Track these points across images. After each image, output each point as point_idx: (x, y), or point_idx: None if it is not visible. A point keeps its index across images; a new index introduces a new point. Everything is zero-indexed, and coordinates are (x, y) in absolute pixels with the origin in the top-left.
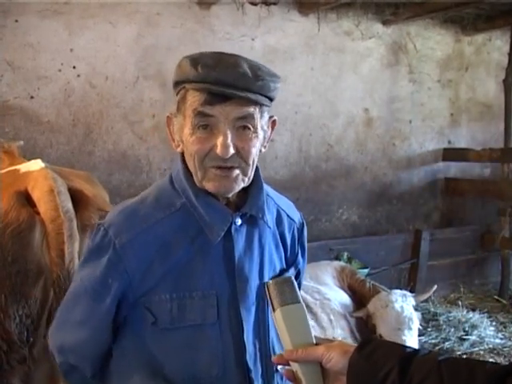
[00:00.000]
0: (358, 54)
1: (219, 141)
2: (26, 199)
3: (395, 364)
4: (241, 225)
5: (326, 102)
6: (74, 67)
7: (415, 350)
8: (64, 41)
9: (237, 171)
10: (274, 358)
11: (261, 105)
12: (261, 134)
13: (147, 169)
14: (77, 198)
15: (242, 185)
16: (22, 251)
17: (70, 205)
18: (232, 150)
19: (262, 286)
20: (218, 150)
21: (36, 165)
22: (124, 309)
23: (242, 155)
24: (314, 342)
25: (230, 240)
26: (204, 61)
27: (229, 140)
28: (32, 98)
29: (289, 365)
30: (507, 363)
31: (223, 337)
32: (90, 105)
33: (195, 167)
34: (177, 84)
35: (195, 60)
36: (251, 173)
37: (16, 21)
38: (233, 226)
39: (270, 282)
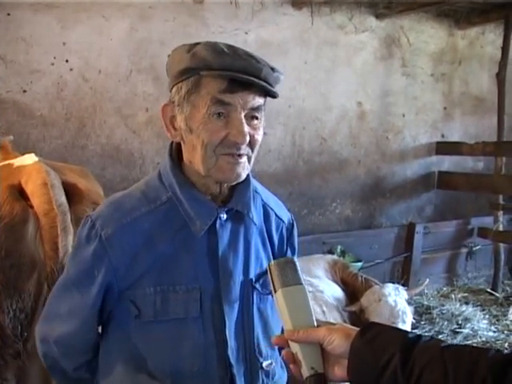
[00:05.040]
0: (352, 47)
1: (236, 128)
2: (20, 193)
3: (397, 349)
4: (226, 220)
5: (320, 95)
6: (67, 61)
7: (418, 335)
8: (57, 34)
9: (244, 158)
10: (273, 339)
11: (267, 96)
12: (262, 123)
13: (140, 162)
14: (70, 191)
15: (247, 173)
16: (15, 245)
17: (63, 198)
18: (248, 138)
19: (249, 281)
20: (236, 137)
21: (29, 159)
22: (109, 302)
23: (251, 144)
24: (316, 324)
25: (215, 235)
26: (222, 49)
27: (246, 127)
28: (25, 91)
29: (288, 346)
30: (510, 352)
31: (205, 331)
32: (82, 99)
33: (205, 155)
34: (187, 71)
35: (214, 47)
36: (252, 162)
37: (8, 14)
38: (218, 221)
39: (272, 262)
